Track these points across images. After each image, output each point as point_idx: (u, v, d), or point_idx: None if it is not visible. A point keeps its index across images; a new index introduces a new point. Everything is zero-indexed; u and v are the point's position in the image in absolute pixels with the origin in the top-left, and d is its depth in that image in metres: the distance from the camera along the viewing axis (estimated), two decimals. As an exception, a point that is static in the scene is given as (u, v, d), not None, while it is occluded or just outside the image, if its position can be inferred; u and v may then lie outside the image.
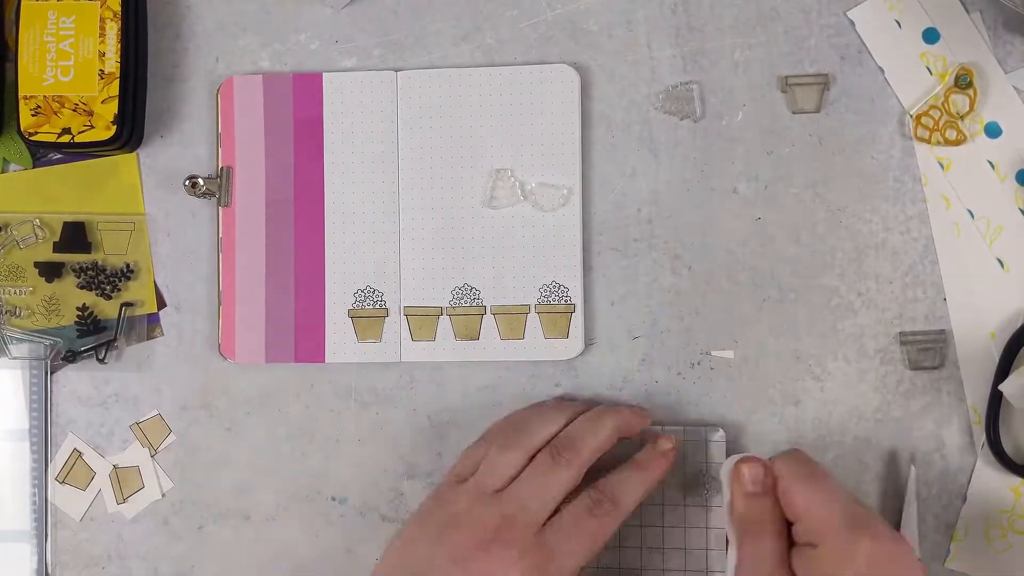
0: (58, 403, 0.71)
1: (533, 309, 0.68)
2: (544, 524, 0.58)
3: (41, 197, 0.71)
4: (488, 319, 0.68)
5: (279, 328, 0.69)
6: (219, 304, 0.70)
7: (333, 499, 0.70)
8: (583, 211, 0.68)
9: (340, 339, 0.69)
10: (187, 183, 0.68)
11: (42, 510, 0.70)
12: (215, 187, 0.69)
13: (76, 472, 0.70)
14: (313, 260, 0.69)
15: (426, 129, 0.69)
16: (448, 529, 0.58)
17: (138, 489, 0.70)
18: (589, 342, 0.68)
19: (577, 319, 0.67)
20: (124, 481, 0.70)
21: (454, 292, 0.68)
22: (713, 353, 0.68)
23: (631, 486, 0.60)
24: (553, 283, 0.68)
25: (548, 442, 0.61)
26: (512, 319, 0.68)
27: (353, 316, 0.69)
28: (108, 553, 0.71)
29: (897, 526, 0.65)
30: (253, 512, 0.70)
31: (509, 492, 0.59)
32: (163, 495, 0.70)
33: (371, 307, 0.69)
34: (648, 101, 0.68)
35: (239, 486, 0.70)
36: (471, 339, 0.68)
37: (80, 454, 0.70)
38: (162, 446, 0.70)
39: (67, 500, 0.70)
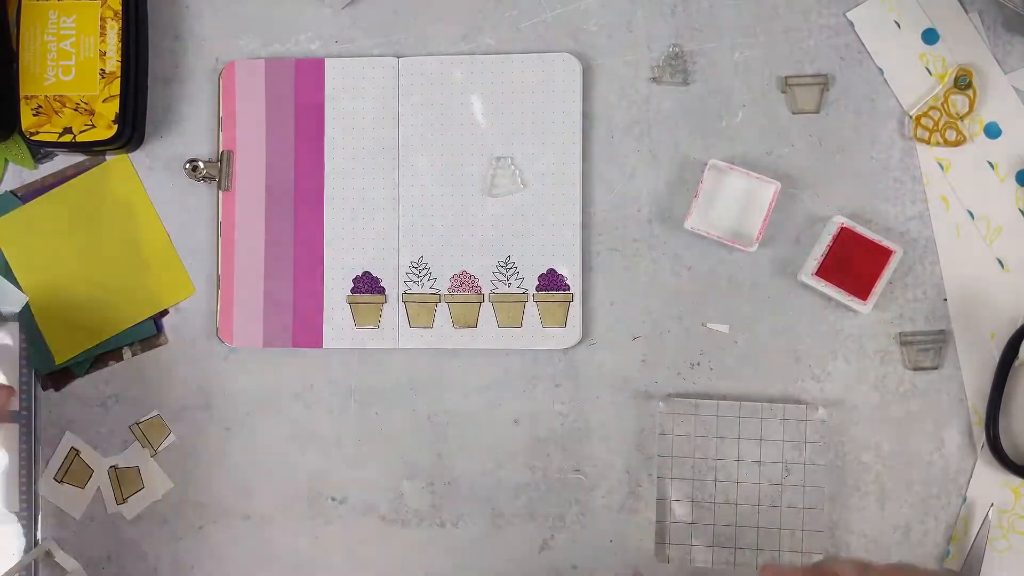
0: (58, 403, 0.71)
1: (531, 298, 0.68)
2: None
3: (46, 227, 0.70)
4: (486, 307, 0.68)
5: (277, 313, 0.69)
6: (218, 289, 0.70)
7: (333, 499, 0.70)
8: (583, 210, 0.68)
9: (338, 325, 0.69)
10: (188, 166, 0.68)
11: (31, 490, 0.71)
12: (215, 171, 0.69)
13: (74, 470, 0.70)
14: (312, 245, 0.69)
15: (427, 116, 0.69)
16: None
17: (138, 489, 0.70)
18: (590, 343, 0.68)
19: (575, 308, 0.67)
20: (124, 481, 0.70)
21: (453, 280, 0.68)
22: (712, 353, 0.68)
23: None
24: (551, 272, 0.68)
25: None
26: (510, 307, 0.68)
27: (351, 302, 0.69)
28: (108, 553, 0.71)
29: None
30: (253, 512, 0.70)
31: None
32: (163, 495, 0.70)
33: (369, 293, 0.69)
34: (648, 87, 0.68)
35: (239, 486, 0.70)
36: (469, 326, 0.68)
37: (77, 452, 0.70)
38: (162, 446, 0.70)
39: (66, 499, 0.70)
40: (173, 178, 0.71)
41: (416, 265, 0.68)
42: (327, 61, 0.69)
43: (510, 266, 0.68)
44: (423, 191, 0.68)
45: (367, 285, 0.69)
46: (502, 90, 0.68)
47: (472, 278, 0.68)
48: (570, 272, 0.67)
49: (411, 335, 0.68)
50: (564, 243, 0.67)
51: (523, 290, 0.68)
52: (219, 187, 0.70)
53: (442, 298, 0.68)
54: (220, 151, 0.70)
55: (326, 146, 0.69)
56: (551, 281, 0.67)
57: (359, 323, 0.69)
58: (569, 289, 0.67)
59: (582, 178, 0.68)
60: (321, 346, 0.69)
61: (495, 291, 0.68)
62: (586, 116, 0.68)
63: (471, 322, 0.68)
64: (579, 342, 0.68)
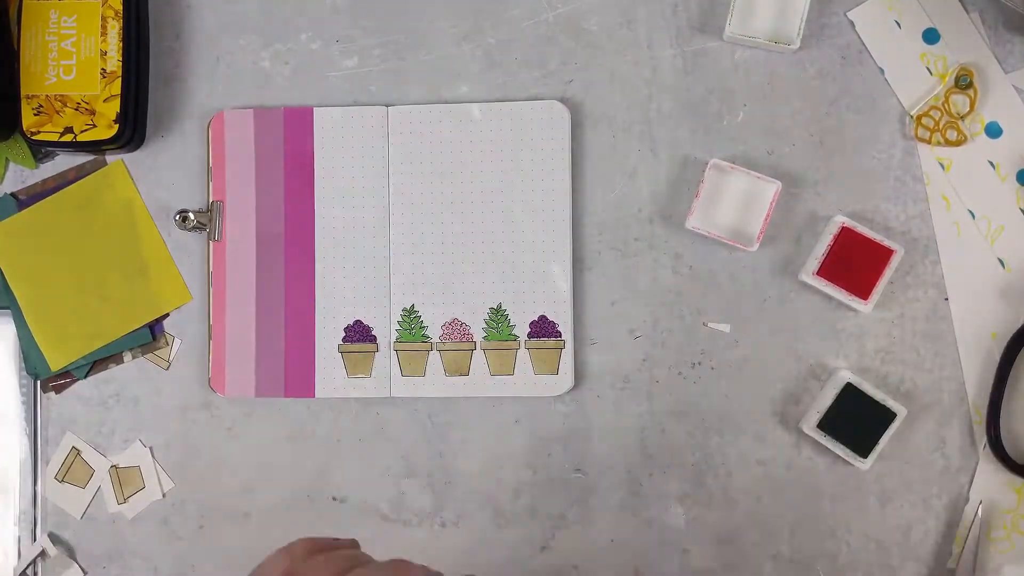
0: (58, 403, 0.71)
1: (523, 345, 0.68)
2: None
3: (41, 234, 0.70)
4: (478, 355, 0.68)
5: (269, 363, 0.69)
6: (209, 339, 0.69)
7: (333, 499, 0.70)
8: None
9: (330, 374, 0.69)
10: (177, 217, 0.68)
11: (31, 490, 0.71)
12: (206, 220, 0.69)
13: (74, 470, 0.70)
14: (303, 295, 0.69)
15: (416, 164, 0.68)
16: None
17: (138, 489, 0.70)
18: (590, 343, 0.68)
19: (567, 355, 0.67)
20: (124, 481, 0.70)
21: (444, 328, 0.68)
22: (713, 352, 0.68)
23: None
24: (542, 318, 0.68)
25: None
26: (502, 355, 0.68)
27: (343, 351, 0.69)
28: (108, 553, 0.70)
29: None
30: (253, 512, 0.70)
31: None
32: (163, 495, 0.70)
33: (361, 342, 0.69)
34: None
35: (239, 486, 0.70)
36: (461, 374, 0.68)
37: (78, 452, 0.70)
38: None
39: (66, 499, 0.70)
40: (173, 178, 0.71)
41: (407, 313, 0.68)
42: (315, 110, 0.69)
43: (501, 313, 0.68)
44: (413, 239, 0.68)
45: (359, 334, 0.69)
46: (491, 137, 0.68)
47: (464, 326, 0.68)
48: (562, 318, 0.67)
49: (403, 384, 0.68)
50: (555, 289, 0.67)
51: (515, 337, 0.68)
52: (209, 238, 0.69)
53: (434, 346, 0.68)
54: (210, 201, 0.70)
55: (316, 195, 0.69)
56: (542, 328, 0.67)
57: (351, 372, 0.68)
58: (561, 336, 0.67)
59: (571, 225, 0.68)
60: (313, 395, 0.69)
61: (487, 338, 0.68)
62: (587, 116, 0.68)
63: (463, 370, 0.68)
64: (571, 389, 0.67)
